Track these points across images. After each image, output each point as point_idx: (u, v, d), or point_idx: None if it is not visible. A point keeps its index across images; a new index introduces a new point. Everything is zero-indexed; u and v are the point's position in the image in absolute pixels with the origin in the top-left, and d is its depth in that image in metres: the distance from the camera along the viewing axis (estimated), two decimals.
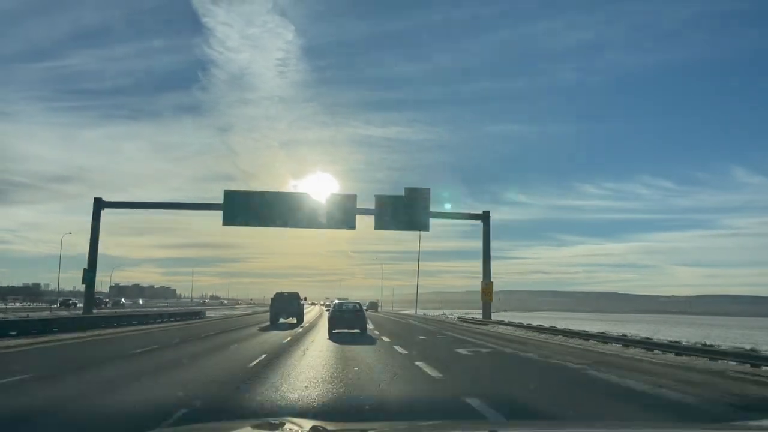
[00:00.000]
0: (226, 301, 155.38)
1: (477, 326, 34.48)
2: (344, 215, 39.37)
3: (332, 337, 22.54)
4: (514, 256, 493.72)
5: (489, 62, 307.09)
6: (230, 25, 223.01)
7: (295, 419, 4.78)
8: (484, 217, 40.89)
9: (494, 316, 68.29)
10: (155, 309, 56.22)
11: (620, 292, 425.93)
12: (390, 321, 45.78)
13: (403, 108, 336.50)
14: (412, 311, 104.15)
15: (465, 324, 38.42)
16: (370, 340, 21.71)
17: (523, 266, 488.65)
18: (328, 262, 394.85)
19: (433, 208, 39.51)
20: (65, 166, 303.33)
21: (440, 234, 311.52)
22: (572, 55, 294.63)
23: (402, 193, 40.04)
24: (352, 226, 39.81)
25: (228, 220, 39.35)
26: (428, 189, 40.16)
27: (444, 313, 79.16)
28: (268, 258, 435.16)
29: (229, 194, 39.52)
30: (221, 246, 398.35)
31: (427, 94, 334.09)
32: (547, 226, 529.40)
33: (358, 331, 24.32)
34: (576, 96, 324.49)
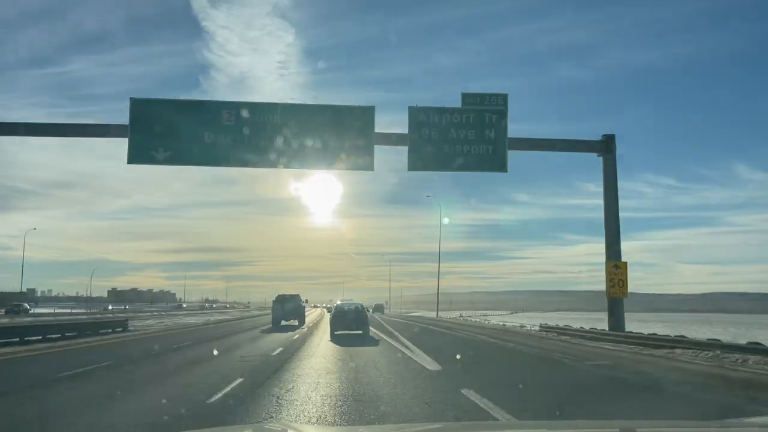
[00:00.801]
0: (215, 305, 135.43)
1: (645, 354, 15.88)
2: (355, 144, 21.36)
3: (334, 339, 21.29)
4: (519, 256, 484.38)
5: (489, 61, 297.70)
6: (230, 29, 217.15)
7: (295, 423, 5.58)
8: (605, 146, 22.77)
9: (520, 319, 51.52)
10: (48, 319, 38.86)
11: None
12: (432, 333, 28.37)
13: (404, 109, 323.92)
14: (423, 313, 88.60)
15: (591, 346, 19.65)
16: None
17: (527, 266, 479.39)
18: (331, 264, 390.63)
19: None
20: (68, 172, 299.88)
21: (444, 234, 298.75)
22: (572, 52, 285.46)
23: (456, 103, 22.04)
24: (368, 165, 21.82)
25: (137, 153, 21.24)
26: (505, 95, 22.16)
27: (461, 316, 63.10)
28: (271, 261, 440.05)
29: (139, 105, 21.36)
30: (225, 250, 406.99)
31: (428, 94, 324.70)
32: (550, 226, 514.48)
33: (360, 332, 23.63)
34: (576, 94, 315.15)
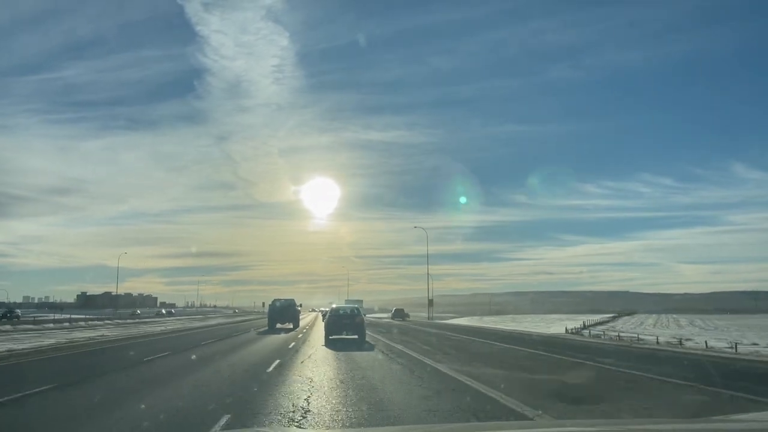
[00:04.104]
0: (174, 311, 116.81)
1: None
2: None
3: (329, 344, 20.57)
4: (518, 257, 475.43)
5: (485, 63, 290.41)
6: (224, 33, 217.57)
7: (291, 429, 5.44)
8: None
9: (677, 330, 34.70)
10: None
11: (631, 291, 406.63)
12: None
13: (401, 111, 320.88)
14: (471, 321, 64.12)
15: None
16: None
17: (527, 267, 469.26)
18: (330, 267, 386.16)
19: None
20: (64, 178, 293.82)
21: (443, 237, 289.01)
22: (569, 53, 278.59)
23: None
24: None
25: None
26: None
27: (584, 326, 38.33)
28: (271, 265, 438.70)
29: None
30: (224, 254, 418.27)
31: (425, 96, 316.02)
32: (549, 227, 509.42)
33: (355, 337, 22.95)
34: (574, 95, 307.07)
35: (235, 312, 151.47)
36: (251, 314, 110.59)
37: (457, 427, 4.19)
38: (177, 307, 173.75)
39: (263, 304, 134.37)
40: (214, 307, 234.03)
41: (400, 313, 73.96)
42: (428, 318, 73.96)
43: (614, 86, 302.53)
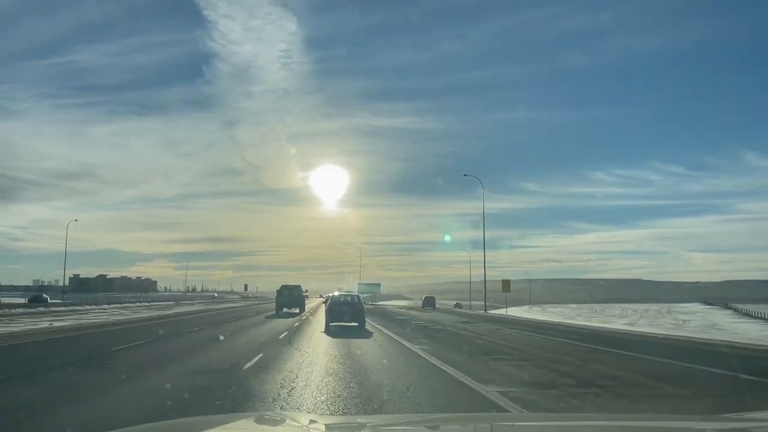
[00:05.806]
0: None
1: None
2: None
3: (329, 331, 21.09)
4: (526, 245, 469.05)
5: (495, 49, 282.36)
6: (232, 18, 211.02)
7: (292, 413, 5.68)
8: None
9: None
10: None
11: (644, 279, 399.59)
12: None
13: (410, 98, 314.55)
14: (524, 311, 48.21)
15: None
16: None
17: (535, 255, 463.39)
18: (340, 253, 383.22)
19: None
20: (74, 162, 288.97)
21: (450, 223, 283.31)
22: (580, 39, 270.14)
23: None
24: None
25: None
26: None
27: None
28: (279, 251, 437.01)
29: None
30: (233, 240, 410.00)
31: (434, 83, 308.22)
32: (557, 214, 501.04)
33: (355, 324, 23.43)
34: (584, 81, 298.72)
35: (214, 297, 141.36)
36: (235, 302, 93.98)
37: (451, 418, 4.34)
38: (178, 292, 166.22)
39: (245, 286, 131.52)
40: (194, 290, 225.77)
41: (430, 302, 62.52)
42: (484, 310, 55.41)
43: (625, 73, 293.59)
